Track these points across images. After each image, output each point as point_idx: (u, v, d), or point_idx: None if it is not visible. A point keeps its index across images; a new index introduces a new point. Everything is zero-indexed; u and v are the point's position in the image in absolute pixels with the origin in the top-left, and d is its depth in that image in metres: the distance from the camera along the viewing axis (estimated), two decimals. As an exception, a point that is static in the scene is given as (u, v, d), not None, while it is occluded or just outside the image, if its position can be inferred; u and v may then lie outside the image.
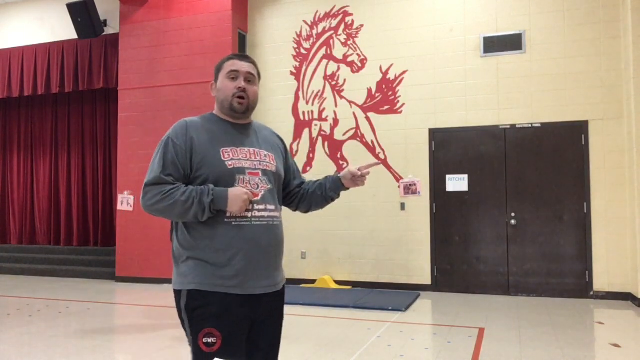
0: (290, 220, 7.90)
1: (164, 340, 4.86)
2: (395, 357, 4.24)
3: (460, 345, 4.56)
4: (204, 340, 1.83)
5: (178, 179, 1.91)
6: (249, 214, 1.91)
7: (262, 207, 1.95)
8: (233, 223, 1.89)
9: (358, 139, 7.67)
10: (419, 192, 7.34)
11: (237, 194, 1.86)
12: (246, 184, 1.94)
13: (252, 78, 2.04)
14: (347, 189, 2.19)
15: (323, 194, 2.19)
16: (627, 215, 6.50)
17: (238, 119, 2.04)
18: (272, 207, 1.99)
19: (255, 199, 1.93)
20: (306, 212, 2.25)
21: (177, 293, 1.92)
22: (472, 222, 7.13)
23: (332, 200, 2.21)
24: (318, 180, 2.23)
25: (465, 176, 7.19)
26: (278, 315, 2.06)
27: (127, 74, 8.48)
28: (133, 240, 8.26)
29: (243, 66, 2.02)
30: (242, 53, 2.10)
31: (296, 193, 2.23)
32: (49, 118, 10.21)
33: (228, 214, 1.89)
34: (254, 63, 2.07)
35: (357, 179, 2.14)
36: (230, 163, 1.93)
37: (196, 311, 1.86)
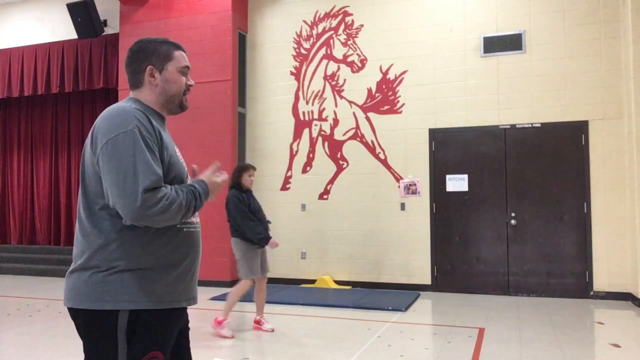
0: (291, 220, 7.93)
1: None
2: (395, 357, 4.24)
3: (460, 345, 4.56)
4: None
5: (163, 179, 1.73)
6: (195, 220, 1.78)
7: None
8: (184, 229, 1.73)
9: (358, 139, 7.67)
10: (419, 192, 7.35)
11: (218, 184, 1.78)
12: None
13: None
14: None
15: None
16: (627, 215, 6.50)
17: (172, 115, 1.88)
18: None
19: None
20: None
21: (107, 313, 1.60)
22: (472, 222, 7.13)
23: None
24: None
25: (465, 176, 7.19)
26: (186, 324, 1.91)
27: (127, 74, 8.47)
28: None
29: (188, 61, 1.89)
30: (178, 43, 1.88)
31: None
32: (49, 118, 10.21)
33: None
34: None
35: None
36: (184, 164, 1.82)
37: (141, 335, 1.62)
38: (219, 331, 4.87)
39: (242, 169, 5.11)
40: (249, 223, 4.89)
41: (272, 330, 5.07)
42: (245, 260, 4.93)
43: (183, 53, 1.86)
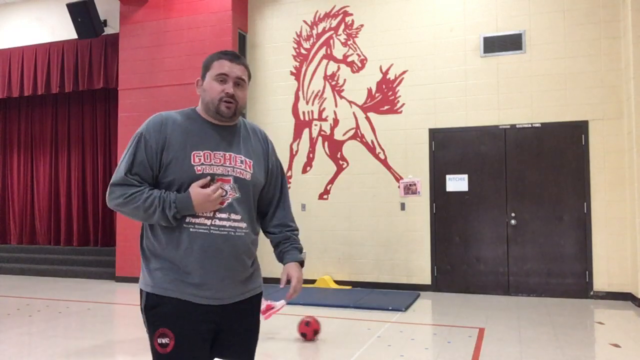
0: (290, 220, 7.92)
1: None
2: (395, 357, 4.24)
3: (460, 345, 4.56)
4: (159, 340, 1.80)
5: (145, 180, 1.84)
6: (209, 222, 1.83)
7: (224, 215, 1.85)
8: (191, 229, 1.82)
9: (358, 139, 7.67)
10: (419, 192, 7.35)
11: (201, 198, 1.79)
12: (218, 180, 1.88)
13: (242, 82, 1.91)
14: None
15: (276, 252, 2.14)
16: (627, 215, 6.50)
17: (222, 122, 1.93)
18: (237, 217, 1.87)
19: (220, 206, 1.84)
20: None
21: (141, 292, 1.89)
22: (472, 222, 7.13)
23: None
24: (282, 241, 2.11)
25: (465, 176, 7.19)
26: (247, 325, 1.96)
27: (127, 74, 8.48)
28: (133, 240, 8.25)
29: (233, 70, 1.88)
30: (233, 52, 1.95)
31: (264, 215, 2.10)
32: (49, 118, 10.21)
33: (187, 219, 1.82)
34: (245, 65, 1.94)
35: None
36: (199, 168, 1.83)
37: (152, 311, 1.83)
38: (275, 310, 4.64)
39: None
40: None
41: (284, 303, 4.79)
42: None
43: (225, 61, 1.89)
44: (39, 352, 4.41)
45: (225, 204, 1.85)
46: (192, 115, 1.93)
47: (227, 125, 1.94)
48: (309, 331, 4.73)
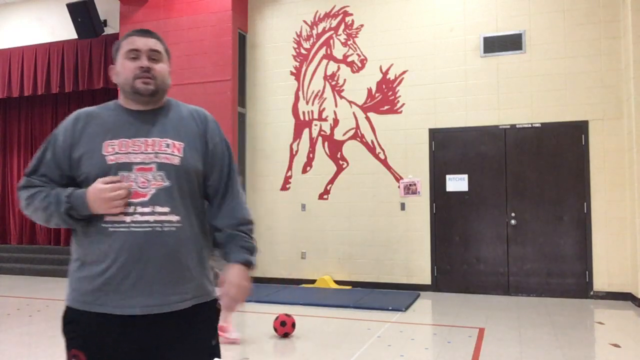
0: (291, 220, 7.93)
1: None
2: (395, 357, 4.24)
3: (460, 345, 4.56)
4: None
5: (53, 180, 1.65)
6: (128, 219, 1.56)
7: (148, 209, 1.58)
8: (109, 229, 1.57)
9: (358, 139, 7.67)
10: (419, 192, 7.35)
11: (95, 192, 1.54)
12: (130, 182, 1.59)
13: (158, 55, 1.71)
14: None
15: (221, 254, 1.76)
16: (627, 215, 6.50)
17: (146, 104, 1.70)
18: (165, 210, 1.60)
19: (141, 199, 1.58)
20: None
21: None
22: (472, 222, 7.13)
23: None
24: (227, 240, 1.73)
25: (465, 176, 7.19)
26: (192, 341, 1.64)
27: (127, 74, 8.47)
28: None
29: (145, 43, 1.69)
30: (143, 28, 1.76)
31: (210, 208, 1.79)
32: (49, 118, 10.22)
33: (105, 218, 1.57)
34: (158, 38, 1.74)
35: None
36: (112, 158, 1.60)
37: (67, 327, 1.61)
38: (226, 336, 4.68)
39: None
40: None
41: (238, 341, 4.64)
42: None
43: (134, 37, 1.71)
44: (39, 352, 4.41)
45: (148, 196, 1.59)
46: (111, 107, 1.74)
47: (151, 109, 1.71)
48: (283, 331, 4.79)
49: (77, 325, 1.59)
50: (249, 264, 1.69)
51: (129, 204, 1.58)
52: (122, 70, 1.69)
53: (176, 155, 1.65)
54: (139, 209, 1.58)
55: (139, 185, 1.60)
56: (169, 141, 1.66)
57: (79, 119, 1.68)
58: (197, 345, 1.65)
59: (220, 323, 4.37)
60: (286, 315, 4.87)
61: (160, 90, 1.70)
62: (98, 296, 1.56)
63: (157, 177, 1.61)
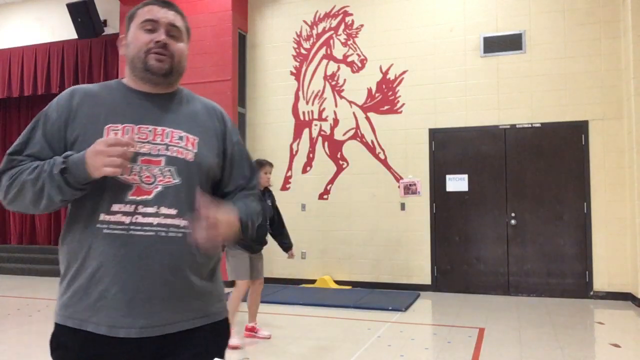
0: (291, 220, 7.91)
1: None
2: (395, 357, 4.24)
3: (460, 345, 4.56)
4: None
5: (44, 160, 1.37)
6: (128, 220, 1.32)
7: (151, 210, 1.34)
8: (105, 231, 1.32)
9: (358, 139, 7.67)
10: (419, 192, 7.35)
11: (95, 145, 1.28)
12: (134, 174, 1.35)
13: (177, 32, 1.46)
14: None
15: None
16: (627, 215, 6.50)
17: (157, 85, 1.46)
18: (171, 212, 1.36)
19: (144, 197, 1.35)
20: None
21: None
22: (472, 222, 7.13)
23: None
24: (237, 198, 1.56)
25: (465, 176, 7.19)
26: None
27: (127, 74, 8.47)
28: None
29: (165, 15, 1.44)
30: None
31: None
32: (49, 118, 10.21)
33: (101, 218, 1.33)
34: (180, 13, 1.50)
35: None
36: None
37: (56, 352, 1.46)
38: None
39: (256, 164, 4.87)
40: None
41: (270, 337, 4.84)
42: (230, 257, 4.62)
43: (153, 6, 1.45)
44: (39, 352, 4.40)
45: (153, 194, 1.36)
46: (113, 86, 1.48)
47: (163, 93, 1.48)
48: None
49: (66, 351, 1.42)
50: (245, 224, 1.48)
51: (129, 202, 1.34)
52: (134, 41, 1.43)
53: (190, 150, 1.43)
54: (141, 209, 1.34)
55: (143, 181, 1.35)
56: (183, 133, 1.43)
57: (75, 94, 1.43)
58: None
59: None
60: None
61: (175, 72, 1.46)
62: (89, 314, 1.34)
63: (165, 172, 1.38)
